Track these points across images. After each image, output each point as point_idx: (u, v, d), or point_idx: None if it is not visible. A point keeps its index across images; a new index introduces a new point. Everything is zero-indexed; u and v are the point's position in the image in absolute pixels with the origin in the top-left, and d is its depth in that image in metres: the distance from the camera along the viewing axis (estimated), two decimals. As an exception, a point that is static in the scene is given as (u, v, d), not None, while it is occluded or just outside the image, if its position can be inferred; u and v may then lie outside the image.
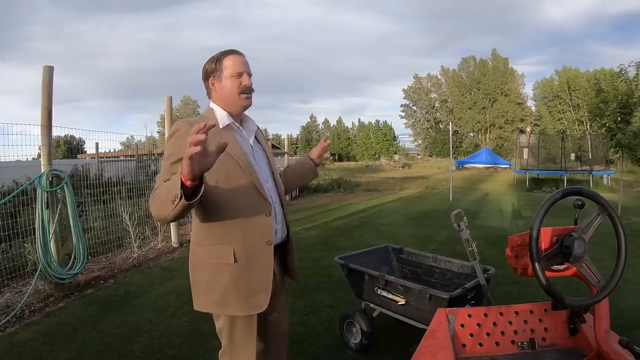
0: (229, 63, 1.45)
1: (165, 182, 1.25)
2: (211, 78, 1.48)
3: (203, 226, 1.43)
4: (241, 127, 1.53)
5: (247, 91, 1.48)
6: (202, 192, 1.16)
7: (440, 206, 9.48)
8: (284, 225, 1.58)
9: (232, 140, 1.44)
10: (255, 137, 1.59)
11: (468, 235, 2.17)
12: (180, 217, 1.22)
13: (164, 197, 1.19)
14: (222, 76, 1.46)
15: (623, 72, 10.59)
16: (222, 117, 1.47)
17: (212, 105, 1.51)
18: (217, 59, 1.46)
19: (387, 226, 6.99)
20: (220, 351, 1.53)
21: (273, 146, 20.02)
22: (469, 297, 2.16)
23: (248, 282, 1.41)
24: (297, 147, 56.00)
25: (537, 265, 1.29)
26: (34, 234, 3.47)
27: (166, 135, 5.51)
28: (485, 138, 45.54)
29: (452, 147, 12.53)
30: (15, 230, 3.67)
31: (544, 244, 1.38)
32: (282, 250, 1.60)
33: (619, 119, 7.78)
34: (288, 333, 1.75)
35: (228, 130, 1.46)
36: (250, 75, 1.50)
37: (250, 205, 1.42)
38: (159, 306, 3.39)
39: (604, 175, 15.44)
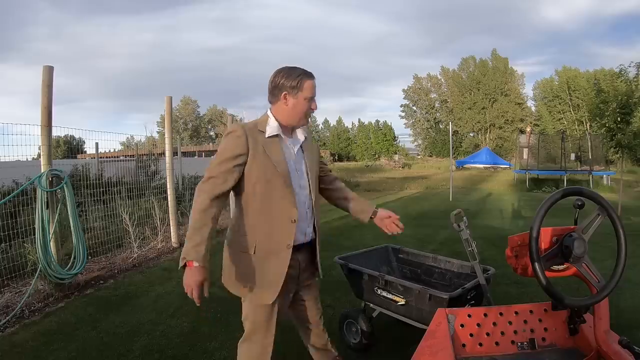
0: (308, 86, 1.60)
1: (207, 205, 1.48)
2: (286, 92, 1.60)
3: (237, 216, 1.63)
4: (285, 137, 1.65)
5: (311, 114, 1.70)
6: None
7: (440, 206, 9.48)
8: (314, 227, 1.72)
9: (276, 148, 1.60)
10: (301, 146, 1.70)
11: (468, 235, 2.17)
12: None
13: (192, 223, 1.47)
14: (299, 95, 1.60)
15: (623, 72, 10.59)
16: (272, 126, 1.61)
17: (269, 113, 1.65)
18: (300, 79, 1.59)
19: (387, 226, 6.97)
20: (241, 339, 1.71)
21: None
22: (468, 297, 2.15)
23: (261, 275, 1.58)
24: (297, 147, 55.87)
25: (537, 265, 1.29)
26: (34, 234, 3.46)
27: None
28: (485, 138, 45.51)
29: (452, 147, 12.52)
30: (15, 230, 3.66)
31: (544, 244, 1.38)
32: (312, 246, 1.75)
33: (619, 119, 7.76)
34: (320, 322, 1.94)
35: (274, 139, 1.61)
36: None
37: (280, 211, 1.58)
38: (159, 306, 3.39)
39: (604, 175, 15.46)
